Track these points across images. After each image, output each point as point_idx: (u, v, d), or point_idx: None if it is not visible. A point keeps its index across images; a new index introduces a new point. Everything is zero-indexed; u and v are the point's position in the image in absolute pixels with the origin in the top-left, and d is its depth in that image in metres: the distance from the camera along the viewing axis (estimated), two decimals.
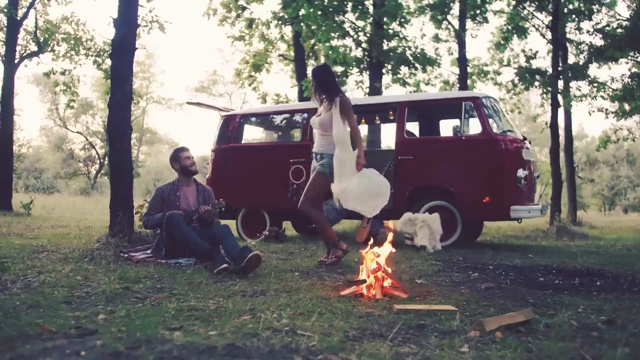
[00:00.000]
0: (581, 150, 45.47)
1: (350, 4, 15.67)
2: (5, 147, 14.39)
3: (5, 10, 14.42)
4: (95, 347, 2.28)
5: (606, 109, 17.62)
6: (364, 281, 3.94)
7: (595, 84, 16.95)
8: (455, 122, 8.50)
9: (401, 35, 16.26)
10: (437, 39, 18.86)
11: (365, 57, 16.03)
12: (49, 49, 16.17)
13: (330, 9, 15.31)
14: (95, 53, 16.21)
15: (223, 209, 5.73)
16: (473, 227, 8.71)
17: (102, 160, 40.68)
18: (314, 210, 5.74)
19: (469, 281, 4.66)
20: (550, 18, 16.31)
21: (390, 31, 16.19)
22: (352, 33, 15.84)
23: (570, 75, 15.87)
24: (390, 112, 9.18)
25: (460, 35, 17.27)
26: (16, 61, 14.99)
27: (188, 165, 5.72)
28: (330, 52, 15.22)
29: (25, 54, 15.69)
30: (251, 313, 3.11)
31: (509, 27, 18.30)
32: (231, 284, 4.15)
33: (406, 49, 16.18)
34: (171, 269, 4.81)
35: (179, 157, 5.73)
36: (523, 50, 19.15)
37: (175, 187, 5.67)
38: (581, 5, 16.21)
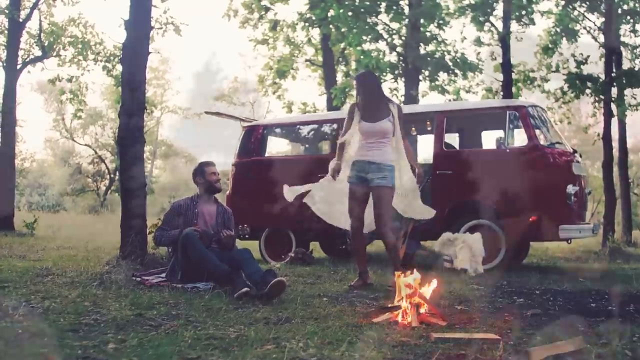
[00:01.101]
0: (637, 165, 44.73)
1: (383, 4, 15.67)
2: (6, 161, 14.25)
3: (7, 11, 14.21)
4: None
5: None
6: (399, 307, 3.94)
7: None
8: (499, 133, 8.46)
9: (439, 39, 16.24)
10: (478, 42, 18.74)
11: (400, 63, 16.04)
12: (55, 54, 16.11)
13: (362, 10, 15.34)
14: (105, 58, 16.26)
15: (247, 235, 5.72)
16: (518, 248, 8.63)
17: (112, 176, 40.57)
18: (394, 235, 5.79)
19: (513, 307, 4.63)
20: (602, 19, 16.18)
21: (428, 34, 16.16)
22: (385, 36, 15.88)
23: (624, 81, 15.65)
24: (428, 123, 9.14)
25: (504, 39, 17.19)
26: (18, 67, 14.84)
27: (213, 181, 5.64)
28: (362, 57, 15.25)
29: (28, 59, 15.63)
30: (275, 342, 3.13)
31: (558, 30, 18.16)
32: (253, 310, 4.15)
33: (445, 53, 16.14)
34: (187, 294, 4.79)
35: (204, 172, 5.64)
36: (573, 55, 18.93)
37: (194, 203, 5.57)
38: (637, 5, 16.04)
